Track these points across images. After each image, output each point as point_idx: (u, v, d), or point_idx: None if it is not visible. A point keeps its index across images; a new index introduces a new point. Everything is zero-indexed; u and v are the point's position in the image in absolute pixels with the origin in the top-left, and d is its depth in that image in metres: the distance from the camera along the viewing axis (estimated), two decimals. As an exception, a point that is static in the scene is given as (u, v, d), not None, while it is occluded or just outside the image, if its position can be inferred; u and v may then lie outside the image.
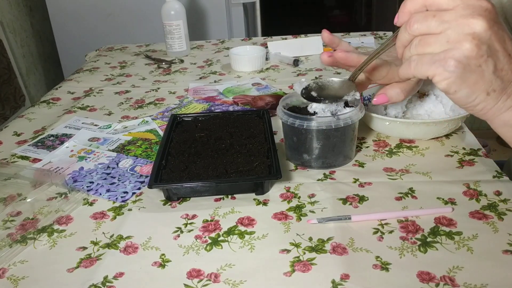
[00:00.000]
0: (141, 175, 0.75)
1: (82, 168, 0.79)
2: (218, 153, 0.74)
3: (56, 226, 0.65)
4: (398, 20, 0.52)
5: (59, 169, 0.79)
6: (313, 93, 0.70)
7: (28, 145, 0.88)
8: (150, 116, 0.98)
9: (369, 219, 0.62)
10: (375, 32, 1.50)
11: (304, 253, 0.56)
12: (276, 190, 0.69)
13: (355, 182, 0.70)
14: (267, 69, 1.23)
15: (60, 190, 0.70)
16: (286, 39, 1.42)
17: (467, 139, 0.80)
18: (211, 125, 0.82)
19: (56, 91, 1.18)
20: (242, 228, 0.62)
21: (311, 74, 1.18)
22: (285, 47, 1.32)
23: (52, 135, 0.92)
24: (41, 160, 0.82)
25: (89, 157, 0.82)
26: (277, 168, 0.67)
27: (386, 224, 0.61)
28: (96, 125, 0.95)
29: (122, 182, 0.74)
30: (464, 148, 0.78)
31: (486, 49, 0.47)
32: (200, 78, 1.20)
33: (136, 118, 0.98)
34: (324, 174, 0.73)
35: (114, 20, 1.91)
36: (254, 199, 0.68)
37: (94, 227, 0.64)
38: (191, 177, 0.68)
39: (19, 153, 0.85)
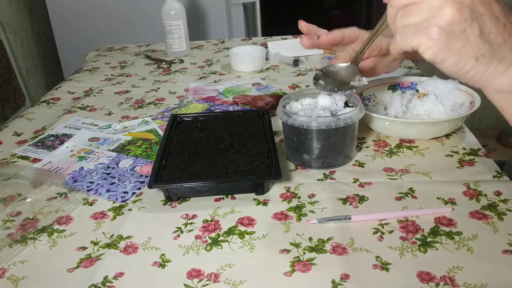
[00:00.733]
0: (141, 175, 0.75)
1: (82, 168, 0.79)
2: (218, 153, 0.74)
3: (56, 226, 0.65)
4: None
5: (59, 169, 0.79)
6: (321, 82, 0.70)
7: (28, 145, 0.88)
8: (150, 116, 0.98)
9: (369, 219, 0.62)
10: (375, 32, 1.50)
11: (304, 253, 0.56)
12: (276, 190, 0.69)
13: (355, 182, 0.70)
14: (267, 69, 1.23)
15: (60, 190, 0.70)
16: (286, 39, 1.42)
17: (467, 139, 0.80)
18: (211, 125, 0.82)
19: (56, 91, 1.18)
20: (242, 228, 0.62)
21: (311, 74, 1.18)
22: (285, 47, 1.32)
23: (52, 135, 0.92)
24: (41, 160, 0.82)
25: (89, 157, 0.82)
26: (277, 168, 0.67)
27: (386, 224, 0.61)
28: (96, 125, 0.95)
29: (122, 182, 0.74)
30: (464, 148, 0.78)
31: (469, 12, 0.45)
32: (200, 78, 1.20)
33: (136, 118, 0.98)
34: (324, 174, 0.73)
35: (114, 20, 1.91)
36: (254, 199, 0.68)
37: (94, 227, 0.64)
38: (191, 177, 0.68)
39: (19, 153, 0.85)
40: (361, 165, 0.75)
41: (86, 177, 0.76)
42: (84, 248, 0.60)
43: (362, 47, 0.64)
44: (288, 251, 0.57)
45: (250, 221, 0.63)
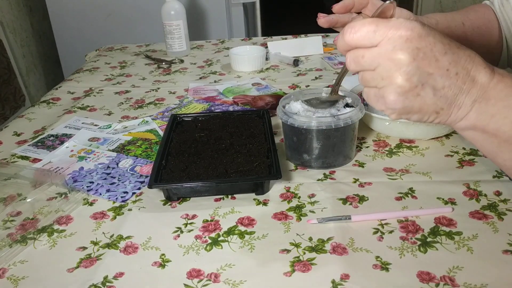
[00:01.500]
0: (141, 175, 0.75)
1: (82, 168, 0.79)
2: (218, 153, 0.74)
3: (56, 226, 0.65)
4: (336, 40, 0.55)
5: (59, 169, 0.79)
6: (311, 109, 0.73)
7: (28, 145, 0.88)
8: (150, 116, 0.98)
9: (369, 219, 0.62)
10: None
11: (304, 253, 0.56)
12: (276, 190, 0.69)
13: (355, 182, 0.70)
14: (267, 69, 1.23)
15: (60, 190, 0.70)
16: (286, 39, 1.42)
17: (467, 139, 0.80)
18: (211, 125, 0.82)
19: (56, 91, 1.18)
20: (242, 228, 0.62)
21: (311, 74, 1.18)
22: (285, 47, 1.32)
23: (52, 135, 0.92)
24: (41, 160, 0.82)
25: (89, 157, 0.82)
26: (277, 168, 0.67)
27: (386, 224, 0.61)
28: (96, 125, 0.95)
29: (122, 182, 0.74)
30: (464, 148, 0.78)
31: (418, 78, 0.47)
32: (200, 78, 1.20)
33: (136, 118, 0.98)
34: (324, 174, 0.73)
35: (114, 20, 1.91)
36: (254, 199, 0.68)
37: (94, 227, 0.64)
38: (191, 177, 0.68)
39: (19, 153, 0.85)
40: (361, 165, 0.75)
41: (86, 177, 0.76)
42: (84, 248, 0.60)
43: (338, 79, 0.66)
44: (288, 251, 0.57)
45: (250, 221, 0.63)
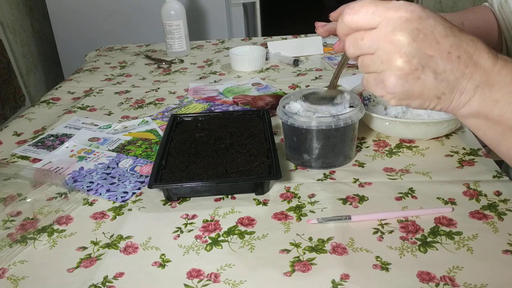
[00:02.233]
0: (141, 175, 0.75)
1: (82, 168, 0.79)
2: (218, 153, 0.74)
3: (56, 226, 0.65)
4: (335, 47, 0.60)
5: (59, 169, 0.79)
6: (309, 104, 0.75)
7: (28, 145, 0.88)
8: (150, 116, 0.98)
9: (369, 219, 0.62)
10: (375, 32, 1.50)
11: (304, 253, 0.56)
12: (276, 190, 0.69)
13: (355, 182, 0.70)
14: (267, 69, 1.23)
15: (60, 190, 0.70)
16: (286, 39, 1.42)
17: (467, 139, 0.80)
18: (211, 125, 0.82)
19: (56, 91, 1.18)
20: (242, 228, 0.62)
21: (311, 74, 1.18)
22: (285, 47, 1.32)
23: (52, 135, 0.92)
24: (41, 160, 0.82)
25: (89, 157, 0.82)
26: (277, 168, 0.67)
27: (386, 224, 0.61)
28: (96, 125, 0.95)
29: (122, 182, 0.74)
30: (464, 148, 0.78)
31: (418, 61, 0.46)
32: (200, 78, 1.20)
33: (136, 118, 0.98)
34: (324, 174, 0.73)
35: (114, 20, 1.91)
36: (254, 199, 0.68)
37: (94, 227, 0.64)
38: (191, 177, 0.68)
39: (19, 153, 0.85)
40: (361, 165, 0.75)
41: (86, 177, 0.76)
42: (84, 248, 0.60)
43: (336, 72, 0.66)
44: (288, 251, 0.57)
45: (250, 221, 0.63)
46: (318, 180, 0.71)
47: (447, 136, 0.81)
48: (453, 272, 0.52)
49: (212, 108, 1.00)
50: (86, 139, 0.89)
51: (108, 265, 0.57)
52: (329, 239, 0.59)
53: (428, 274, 0.52)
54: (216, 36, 1.88)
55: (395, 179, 0.71)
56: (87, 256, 0.59)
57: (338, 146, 0.72)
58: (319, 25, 0.76)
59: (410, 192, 0.67)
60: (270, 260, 0.56)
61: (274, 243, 0.59)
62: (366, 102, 0.89)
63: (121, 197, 0.70)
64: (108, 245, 0.60)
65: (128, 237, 0.62)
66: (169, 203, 0.68)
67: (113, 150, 0.84)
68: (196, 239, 0.60)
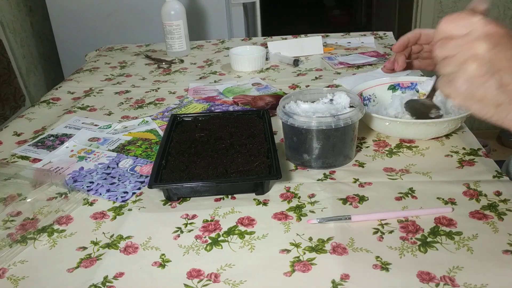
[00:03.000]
0: (141, 175, 0.75)
1: (82, 168, 0.79)
2: (218, 153, 0.74)
3: (56, 226, 0.65)
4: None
5: (59, 169, 0.79)
6: (408, 112, 0.80)
7: (28, 145, 0.88)
8: (150, 116, 0.98)
9: (369, 219, 0.62)
10: (375, 32, 1.50)
11: (304, 253, 0.56)
12: (276, 190, 0.69)
13: (355, 182, 0.70)
14: (267, 69, 1.23)
15: (60, 190, 0.70)
16: (286, 39, 1.42)
17: (467, 139, 0.80)
18: (211, 125, 0.82)
19: (56, 91, 1.18)
20: (242, 228, 0.62)
21: (311, 74, 1.18)
22: (285, 47, 1.32)
23: (52, 135, 0.92)
24: (41, 160, 0.82)
25: (89, 157, 0.82)
26: (277, 168, 0.67)
27: (386, 224, 0.61)
28: (96, 125, 0.95)
29: (122, 182, 0.74)
30: (464, 148, 0.78)
31: (488, 68, 0.51)
32: (200, 78, 1.20)
33: (136, 118, 0.98)
34: (324, 174, 0.73)
35: (114, 20, 1.91)
36: (254, 199, 0.68)
37: (94, 227, 0.64)
38: (191, 177, 0.68)
39: (19, 153, 0.85)
40: (361, 165, 0.75)
41: (86, 177, 0.76)
42: (84, 248, 0.60)
43: (434, 85, 0.74)
44: (288, 251, 0.57)
45: (250, 221, 0.63)
46: (318, 180, 0.71)
47: (447, 136, 0.81)
48: (453, 272, 0.52)
49: (212, 108, 1.00)
50: (86, 139, 0.89)
51: (108, 265, 0.57)
52: (329, 239, 0.59)
53: (428, 274, 0.52)
54: (216, 36, 1.87)
55: (395, 179, 0.71)
56: (87, 256, 0.59)
57: (338, 146, 0.72)
58: (388, 65, 0.87)
59: (410, 192, 0.67)
60: (270, 260, 0.56)
61: (274, 243, 0.59)
62: (366, 102, 0.89)
63: (121, 197, 0.70)
64: (108, 245, 0.60)
65: (128, 237, 0.62)
66: (169, 203, 0.68)
67: (113, 150, 0.84)
68: (196, 239, 0.60)
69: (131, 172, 0.76)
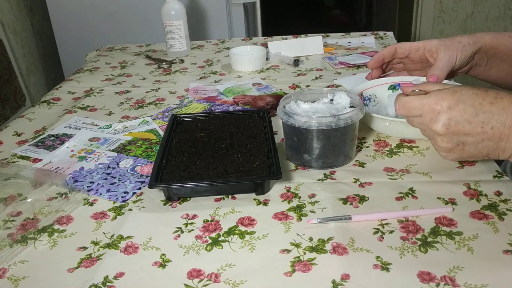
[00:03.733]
0: (141, 175, 0.75)
1: (82, 168, 0.79)
2: (219, 153, 0.74)
3: (56, 226, 0.65)
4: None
5: (60, 169, 0.79)
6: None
7: (29, 145, 0.88)
8: (150, 116, 0.98)
9: (370, 219, 0.62)
10: (375, 32, 1.50)
11: (305, 253, 0.56)
12: (276, 190, 0.69)
13: (355, 182, 0.70)
14: (267, 69, 1.23)
15: (60, 190, 0.70)
16: (286, 39, 1.42)
17: (468, 139, 0.80)
18: (211, 125, 0.82)
19: (56, 91, 1.18)
20: (243, 228, 0.62)
21: (311, 74, 1.18)
22: (285, 47, 1.32)
23: (53, 135, 0.92)
24: (41, 160, 0.82)
25: (89, 157, 0.82)
26: (277, 168, 0.67)
27: (386, 224, 0.61)
28: (96, 125, 0.95)
29: (123, 182, 0.74)
30: (464, 148, 0.78)
31: (456, 140, 0.59)
32: (201, 78, 1.20)
33: (137, 118, 0.98)
34: (325, 174, 0.73)
35: (115, 20, 1.92)
36: (255, 199, 0.68)
37: (95, 227, 0.64)
38: (191, 177, 0.68)
39: (19, 153, 0.85)
40: (361, 165, 0.75)
41: (87, 177, 0.76)
42: (85, 248, 0.60)
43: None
44: (288, 251, 0.57)
45: (250, 221, 0.63)
46: (319, 180, 0.71)
47: (448, 136, 0.81)
48: (453, 272, 0.52)
49: (213, 108, 1.00)
50: (87, 139, 0.89)
51: (108, 265, 0.57)
52: (329, 239, 0.59)
53: (428, 274, 0.52)
54: (217, 36, 1.88)
55: (396, 179, 0.71)
56: (88, 256, 0.59)
57: (338, 146, 0.72)
58: (369, 76, 0.94)
59: (410, 192, 0.67)
60: (270, 260, 0.56)
61: (275, 243, 0.59)
62: (366, 102, 0.89)
63: (122, 197, 0.70)
64: (108, 245, 0.60)
65: (128, 237, 0.62)
66: (169, 203, 0.68)
67: (113, 150, 0.84)
68: (196, 239, 0.60)
69: (132, 172, 0.76)
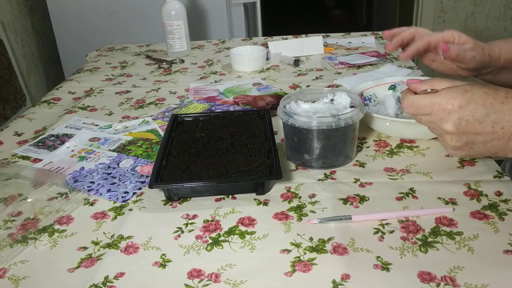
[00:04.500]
0: (141, 175, 0.75)
1: (82, 168, 0.79)
2: (219, 153, 0.74)
3: (56, 226, 0.65)
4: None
5: (60, 169, 0.79)
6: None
7: (29, 145, 0.88)
8: (150, 116, 0.98)
9: (370, 219, 0.62)
10: (376, 32, 1.50)
11: (305, 253, 0.56)
12: (276, 190, 0.69)
13: (355, 182, 0.70)
14: (267, 69, 1.23)
15: (60, 190, 0.70)
16: (286, 39, 1.42)
17: (468, 139, 0.80)
18: (211, 125, 0.82)
19: (56, 91, 1.18)
20: (243, 228, 0.62)
21: (312, 74, 1.18)
22: (285, 47, 1.32)
23: (53, 135, 0.92)
24: (41, 160, 0.82)
25: (89, 157, 0.82)
26: (277, 168, 0.67)
27: (386, 224, 0.61)
28: (96, 125, 0.95)
29: (123, 182, 0.74)
30: (464, 148, 0.77)
31: (466, 139, 0.58)
32: (201, 78, 1.20)
33: (137, 118, 0.98)
34: (325, 174, 0.73)
35: (115, 20, 1.91)
36: (255, 199, 0.68)
37: (95, 227, 0.64)
38: (191, 177, 0.68)
39: (19, 153, 0.85)
40: (361, 165, 0.75)
41: (87, 177, 0.76)
42: (85, 248, 0.60)
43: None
44: (288, 251, 0.57)
45: (250, 221, 0.63)
46: (319, 180, 0.71)
47: (448, 136, 0.81)
48: (453, 272, 0.52)
49: (213, 108, 1.00)
50: (87, 139, 0.89)
51: (108, 265, 0.57)
52: (329, 239, 0.59)
53: (428, 274, 0.52)
54: (217, 36, 1.88)
55: (396, 179, 0.71)
56: (88, 256, 0.59)
57: (338, 146, 0.72)
58: (387, 35, 0.87)
59: (410, 192, 0.67)
60: (270, 260, 0.56)
61: (275, 243, 0.59)
62: (367, 102, 0.89)
63: (122, 197, 0.70)
64: (108, 245, 0.60)
65: (128, 237, 0.62)
66: (169, 203, 0.68)
67: (113, 150, 0.84)
68: (196, 239, 0.60)
69: (132, 172, 0.76)
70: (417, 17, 2.75)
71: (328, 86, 1.08)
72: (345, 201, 0.66)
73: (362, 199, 0.66)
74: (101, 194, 0.71)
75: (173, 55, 1.38)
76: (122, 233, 0.62)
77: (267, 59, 1.29)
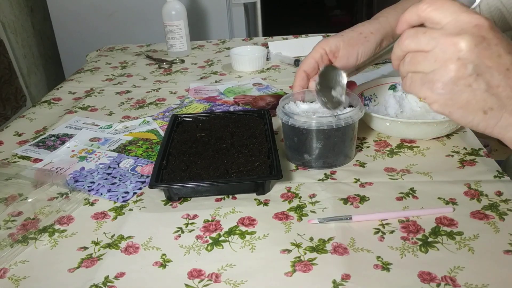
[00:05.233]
0: (142, 175, 0.75)
1: (83, 168, 0.79)
2: (219, 153, 0.74)
3: (57, 226, 0.65)
4: (397, 29, 0.50)
5: (60, 169, 0.79)
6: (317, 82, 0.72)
7: (29, 145, 0.88)
8: (151, 116, 0.98)
9: (370, 219, 0.62)
10: (376, 32, 1.50)
11: (305, 253, 0.56)
12: (277, 190, 0.69)
13: (356, 182, 0.70)
14: (268, 69, 1.23)
15: (61, 190, 0.70)
16: (287, 39, 1.42)
17: (468, 139, 0.80)
18: (212, 125, 0.82)
19: (57, 91, 1.18)
20: (243, 228, 0.62)
21: (312, 74, 1.17)
22: (286, 47, 1.32)
23: (53, 135, 0.92)
24: (42, 160, 0.82)
25: (90, 157, 0.82)
26: (278, 168, 0.67)
27: (387, 224, 0.61)
28: (97, 125, 0.95)
29: (123, 182, 0.74)
30: (465, 148, 0.78)
31: (474, 67, 0.44)
32: (201, 78, 1.20)
33: (137, 118, 0.98)
34: (325, 174, 0.73)
35: (115, 20, 1.92)
36: (255, 199, 0.68)
37: (95, 227, 0.64)
38: (192, 177, 0.68)
39: (20, 153, 0.85)
40: (362, 165, 0.75)
41: (87, 177, 0.76)
42: (85, 248, 0.60)
43: (359, 65, 0.67)
44: (289, 251, 0.57)
45: (251, 221, 0.63)
46: (319, 180, 0.71)
47: (448, 136, 0.81)
48: (454, 272, 0.52)
49: (213, 108, 1.00)
50: (87, 139, 0.89)
51: (109, 265, 0.57)
52: (330, 239, 0.59)
53: (429, 274, 0.52)
54: (217, 36, 1.88)
55: (396, 179, 0.71)
56: (88, 256, 0.59)
57: (338, 146, 0.72)
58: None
59: (411, 192, 0.67)
60: (271, 260, 0.56)
61: (275, 243, 0.59)
62: (367, 102, 0.89)
63: (122, 197, 0.70)
64: (109, 245, 0.60)
65: (129, 237, 0.62)
66: (170, 203, 0.68)
67: (114, 150, 0.84)
68: (197, 239, 0.60)
69: (132, 172, 0.76)
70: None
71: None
72: (345, 201, 0.66)
73: (363, 199, 0.66)
74: (101, 194, 0.71)
75: (173, 55, 1.38)
76: (122, 233, 0.62)
77: (268, 59, 1.29)
